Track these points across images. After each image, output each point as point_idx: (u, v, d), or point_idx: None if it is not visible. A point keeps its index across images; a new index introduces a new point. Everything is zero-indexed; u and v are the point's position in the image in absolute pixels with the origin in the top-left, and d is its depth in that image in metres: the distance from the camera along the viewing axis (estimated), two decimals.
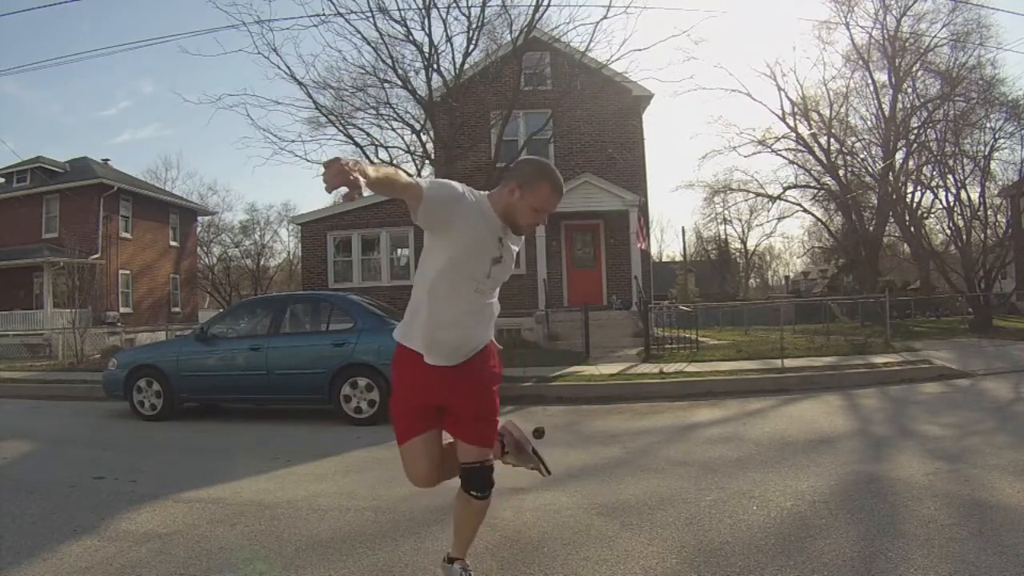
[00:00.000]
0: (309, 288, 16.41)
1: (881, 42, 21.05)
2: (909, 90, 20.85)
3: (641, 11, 32.92)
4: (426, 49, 12.50)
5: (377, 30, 12.40)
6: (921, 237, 19.71)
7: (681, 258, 36.92)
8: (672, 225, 75.58)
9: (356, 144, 13.44)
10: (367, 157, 13.68)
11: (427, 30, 12.41)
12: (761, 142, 23.51)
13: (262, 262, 38.48)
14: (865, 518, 3.21)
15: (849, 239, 23.60)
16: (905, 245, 23.38)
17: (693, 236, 42.15)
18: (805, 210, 25.04)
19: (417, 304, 2.30)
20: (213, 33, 44.75)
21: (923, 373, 8.52)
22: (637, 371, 9.11)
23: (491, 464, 2.45)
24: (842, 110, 22.60)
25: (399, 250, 17.30)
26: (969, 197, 16.67)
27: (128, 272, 23.93)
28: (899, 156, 20.92)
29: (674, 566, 2.75)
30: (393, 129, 13.88)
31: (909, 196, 19.85)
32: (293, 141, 13.95)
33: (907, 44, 20.66)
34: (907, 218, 19.76)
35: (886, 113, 21.55)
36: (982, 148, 16.93)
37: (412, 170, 14.40)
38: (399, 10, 12.44)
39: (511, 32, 13.07)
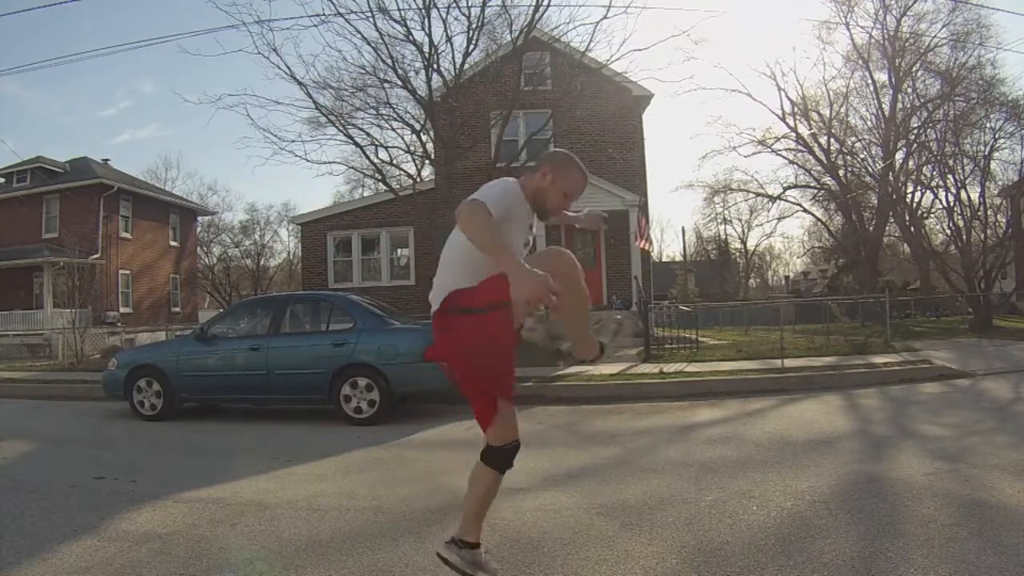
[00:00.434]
0: (309, 288, 16.42)
1: (881, 42, 21.07)
2: (909, 90, 20.86)
3: (641, 11, 32.91)
4: (426, 49, 12.50)
5: (377, 30, 12.40)
6: (921, 237, 19.71)
7: (681, 258, 36.89)
8: (672, 225, 75.53)
9: (356, 144, 13.41)
10: (367, 157, 13.66)
11: (427, 30, 12.41)
12: (761, 142, 23.53)
13: (262, 262, 38.47)
14: (865, 518, 3.21)
15: (849, 239, 23.61)
16: (905, 245, 23.40)
17: (693, 236, 42.16)
18: (805, 210, 25.07)
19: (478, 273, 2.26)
20: (213, 33, 44.66)
21: (923, 373, 8.51)
22: (637, 371, 9.11)
23: None
24: (842, 110, 22.62)
25: (399, 250, 17.30)
26: (969, 197, 16.69)
27: (128, 272, 23.93)
28: (899, 156, 20.94)
29: (674, 566, 2.75)
30: (393, 129, 13.86)
31: (909, 196, 19.87)
32: (293, 141, 13.92)
33: (907, 44, 20.67)
34: (907, 218, 19.77)
35: (886, 113, 21.56)
36: (982, 148, 16.94)
37: (412, 170, 14.41)
38: (399, 10, 12.42)
39: (511, 32, 13.07)
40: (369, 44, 12.58)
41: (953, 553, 2.72)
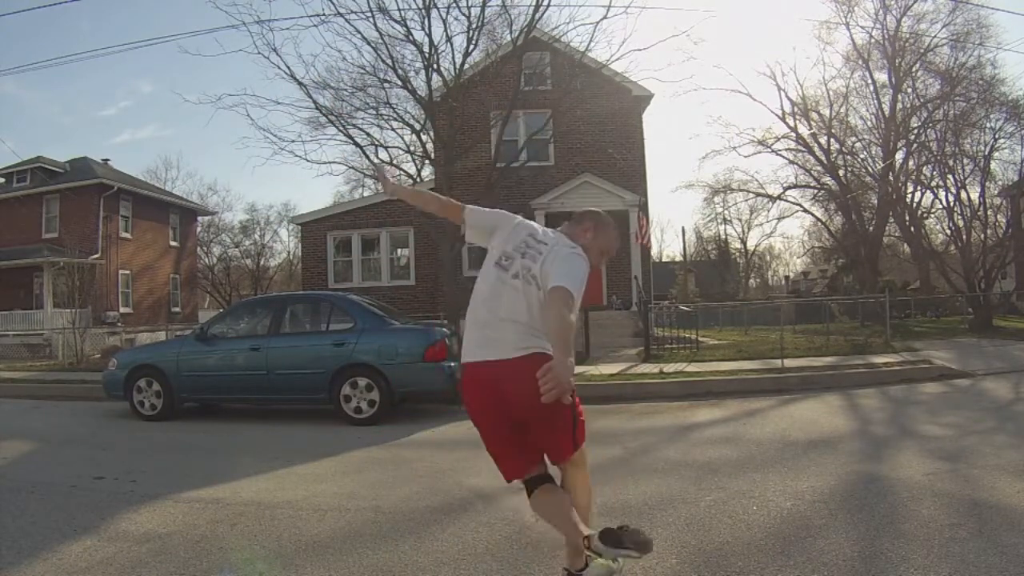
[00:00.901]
0: (309, 288, 16.42)
1: (881, 42, 21.02)
2: (909, 90, 20.82)
3: (641, 11, 32.88)
4: (426, 49, 12.48)
5: (377, 30, 12.38)
6: (921, 237, 19.71)
7: (681, 258, 36.92)
8: (672, 225, 75.50)
9: (356, 144, 13.40)
10: (367, 157, 13.66)
11: (427, 30, 12.39)
12: (761, 142, 23.46)
13: (262, 262, 38.49)
14: (865, 518, 3.21)
15: (849, 239, 23.56)
16: (905, 245, 23.37)
17: (693, 236, 42.18)
18: (805, 210, 25.00)
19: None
20: (213, 33, 44.70)
21: (923, 373, 8.52)
22: (637, 371, 9.11)
23: None
24: (842, 110, 22.56)
25: (399, 250, 17.29)
26: (969, 197, 16.69)
27: (128, 272, 23.92)
28: (899, 156, 20.90)
29: (674, 566, 2.75)
30: (393, 129, 13.82)
31: (909, 196, 19.85)
32: (293, 141, 13.90)
33: (907, 44, 20.63)
34: (907, 218, 19.76)
35: (886, 113, 21.52)
36: (982, 148, 16.94)
37: (412, 170, 14.39)
38: (399, 10, 12.39)
39: (511, 32, 13.05)
40: (369, 44, 12.57)
41: (953, 553, 2.72)
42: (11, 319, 20.56)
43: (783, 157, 24.02)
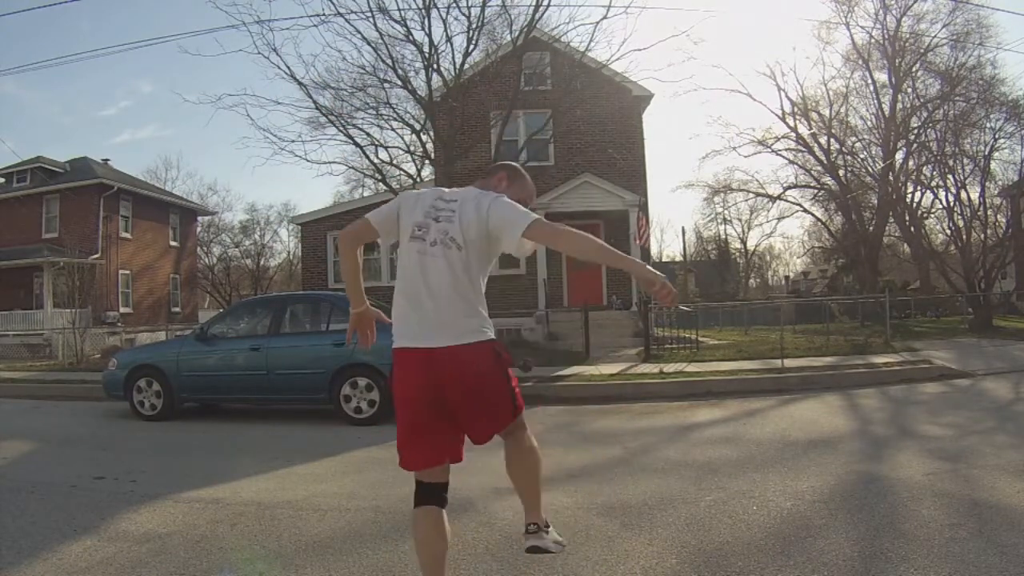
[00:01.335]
0: (309, 288, 16.42)
1: (881, 42, 21.04)
2: (909, 90, 20.84)
3: (641, 11, 32.76)
4: (426, 49, 12.47)
5: (377, 30, 12.37)
6: (921, 237, 19.73)
7: (681, 258, 36.92)
8: (672, 225, 75.58)
9: (356, 144, 13.39)
10: (367, 157, 13.65)
11: (427, 30, 12.39)
12: (761, 142, 23.49)
13: (262, 262, 38.49)
14: (865, 518, 3.21)
15: (849, 239, 23.57)
16: (905, 245, 23.39)
17: (693, 236, 42.18)
18: (805, 210, 25.02)
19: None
20: (213, 33, 44.78)
21: (923, 373, 8.52)
22: (637, 371, 9.11)
23: None
24: (842, 110, 22.59)
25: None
26: (969, 197, 16.69)
27: (128, 272, 23.93)
28: (899, 156, 20.94)
29: (674, 566, 2.75)
30: (393, 129, 13.81)
31: (909, 196, 19.87)
32: (293, 141, 13.87)
33: (907, 44, 20.65)
34: (907, 218, 19.78)
35: (886, 113, 21.53)
36: (982, 148, 16.95)
37: (412, 170, 14.39)
38: (399, 10, 12.38)
39: (511, 32, 13.04)
40: (369, 44, 12.56)
41: (953, 553, 2.72)
42: (11, 319, 20.57)
43: (783, 157, 24.07)
